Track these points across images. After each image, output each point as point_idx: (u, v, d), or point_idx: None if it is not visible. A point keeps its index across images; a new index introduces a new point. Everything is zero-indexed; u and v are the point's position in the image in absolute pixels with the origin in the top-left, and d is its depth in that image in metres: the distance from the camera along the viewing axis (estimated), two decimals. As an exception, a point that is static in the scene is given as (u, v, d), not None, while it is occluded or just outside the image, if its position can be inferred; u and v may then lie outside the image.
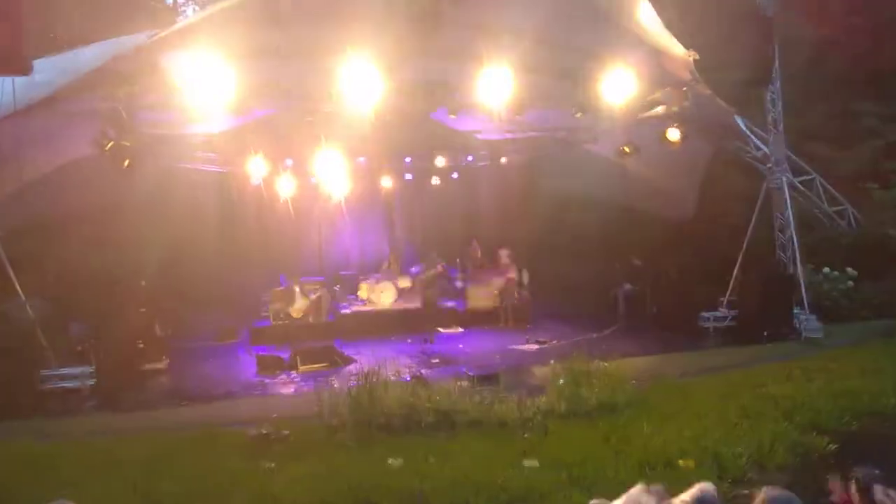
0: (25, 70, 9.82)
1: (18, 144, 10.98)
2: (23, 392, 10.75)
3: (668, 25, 12.93)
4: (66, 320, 13.04)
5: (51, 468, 7.78)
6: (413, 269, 18.39)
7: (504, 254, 16.77)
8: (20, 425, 9.75)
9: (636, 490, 3.64)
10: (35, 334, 11.38)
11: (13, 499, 6.91)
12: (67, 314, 13.24)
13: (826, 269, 15.84)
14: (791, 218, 14.68)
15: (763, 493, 3.05)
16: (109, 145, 12.31)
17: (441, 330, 16.11)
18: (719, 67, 20.82)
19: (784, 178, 14.83)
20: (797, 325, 14.07)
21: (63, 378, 11.54)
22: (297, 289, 14.57)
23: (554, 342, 14.42)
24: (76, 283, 15.98)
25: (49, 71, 11.25)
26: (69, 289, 15.17)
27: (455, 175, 20.61)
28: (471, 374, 10.70)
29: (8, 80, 10.24)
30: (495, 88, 13.10)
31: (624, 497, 3.47)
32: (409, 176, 20.38)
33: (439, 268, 14.69)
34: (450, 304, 17.28)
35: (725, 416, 8.71)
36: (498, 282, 16.61)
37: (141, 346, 12.70)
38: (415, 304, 17.01)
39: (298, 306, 14.35)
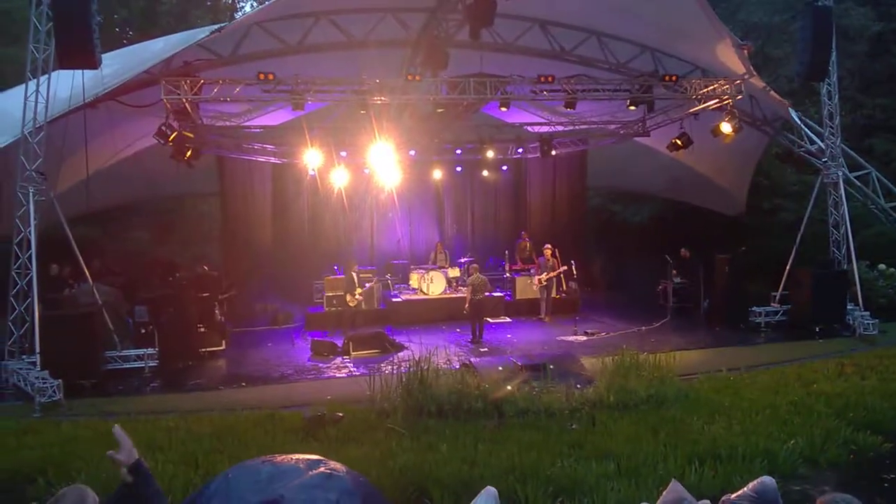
0: (94, 64, 10.27)
1: (87, 136, 11.41)
2: (89, 372, 11.20)
3: (723, 18, 12.78)
4: (131, 304, 13.57)
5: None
6: (461, 261, 18.55)
7: (546, 249, 16.66)
8: (87, 404, 10.23)
9: (676, 486, 3.60)
10: (101, 317, 11.83)
11: (80, 473, 7.27)
12: (132, 298, 13.76)
13: (881, 266, 15.52)
14: (846, 213, 14.38)
15: (822, 499, 3.06)
16: (173, 136, 12.73)
17: (489, 320, 16.28)
18: (775, 59, 20.55)
19: (839, 173, 14.53)
20: (851, 322, 13.84)
21: (127, 359, 12.06)
22: (354, 277, 14.87)
23: (602, 334, 14.44)
24: (140, 268, 16.61)
25: (116, 64, 11.72)
26: (133, 274, 15.79)
27: (505, 167, 20.68)
28: (519, 363, 10.81)
29: (78, 73, 10.65)
30: (547, 81, 13.19)
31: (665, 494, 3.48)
32: (459, 168, 20.54)
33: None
34: (498, 294, 17.43)
35: (776, 411, 8.63)
36: (544, 275, 16.58)
37: (201, 329, 13.11)
38: (463, 293, 17.25)
39: (355, 295, 14.68)
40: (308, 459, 2.27)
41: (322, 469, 2.21)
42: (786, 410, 8.67)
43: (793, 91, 18.53)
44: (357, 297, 14.72)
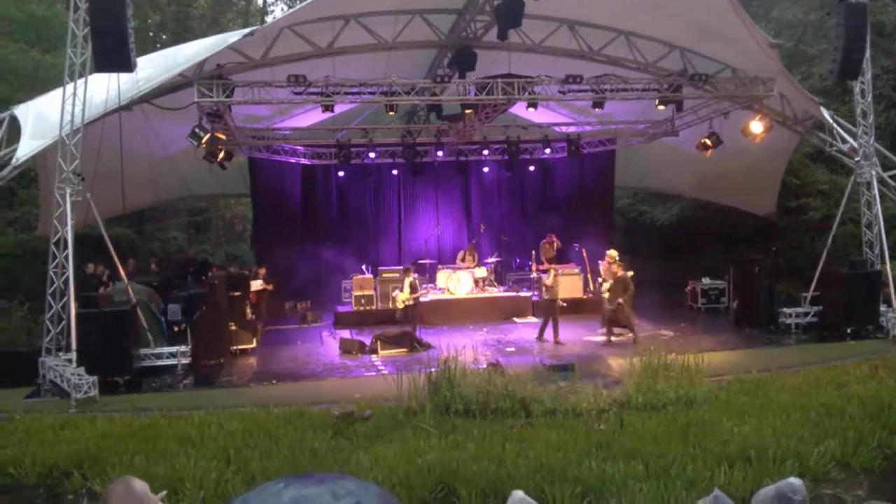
0: (130, 68, 10.49)
1: (122, 137, 11.65)
2: (124, 369, 11.42)
3: (758, 15, 12.63)
4: (165, 303, 13.82)
5: (149, 440, 8.32)
6: (488, 261, 18.59)
7: (611, 255, 15.07)
8: (121, 400, 10.48)
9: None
10: (136, 315, 12.06)
11: (114, 468, 7.45)
12: (165, 297, 14.01)
13: (916, 267, 15.23)
14: (879, 213, 14.14)
15: None
16: (206, 138, 12.93)
17: (516, 320, 16.33)
18: (810, 57, 20.25)
19: (873, 173, 14.28)
20: (884, 324, 13.60)
21: (160, 357, 12.27)
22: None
23: (630, 335, 14.36)
24: (173, 267, 16.90)
25: (150, 68, 11.96)
26: (167, 273, 16.07)
27: (532, 167, 20.69)
28: (546, 363, 10.83)
29: (113, 76, 10.89)
30: (574, 81, 13.19)
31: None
32: (486, 168, 20.60)
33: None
34: (525, 293, 17.45)
35: (807, 413, 8.50)
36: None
37: (233, 328, 13.30)
38: (490, 293, 17.32)
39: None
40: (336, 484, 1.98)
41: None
42: (817, 413, 8.54)
43: (826, 89, 18.26)
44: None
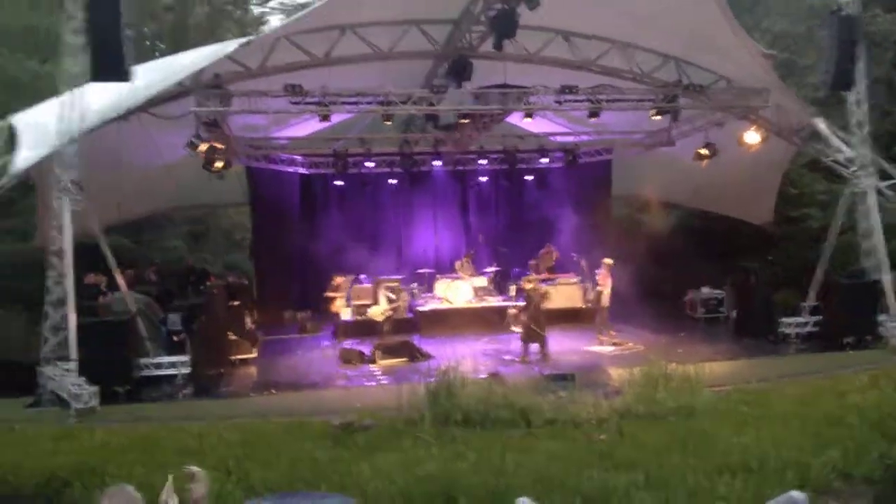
0: (126, 77, 10.49)
1: (119, 147, 11.64)
2: (123, 379, 11.39)
3: (749, 26, 12.71)
4: (164, 312, 13.77)
5: (148, 450, 8.28)
6: (486, 270, 18.59)
7: (606, 262, 15.21)
8: (121, 410, 10.44)
9: None
10: (135, 325, 12.02)
11: (113, 478, 7.40)
12: (165, 306, 13.96)
13: (914, 276, 15.26)
14: (878, 223, 14.17)
15: None
16: (203, 147, 12.94)
17: (514, 329, 16.30)
18: (802, 68, 20.35)
19: (869, 182, 14.32)
20: (883, 334, 13.61)
21: (160, 366, 12.23)
22: (381, 293, 14.88)
23: (630, 344, 14.38)
24: (173, 277, 16.84)
25: (147, 77, 11.96)
26: (166, 283, 16.01)
27: (529, 177, 20.75)
28: (545, 373, 10.82)
29: (110, 85, 10.88)
30: (570, 91, 13.26)
31: None
32: (484, 178, 20.64)
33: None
34: (522, 303, 17.43)
35: (807, 423, 8.48)
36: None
37: (233, 337, 13.27)
38: (489, 303, 17.30)
39: (380, 310, 14.72)
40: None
41: None
42: (817, 422, 8.53)
43: (820, 99, 18.33)
44: (384, 312, 14.75)
